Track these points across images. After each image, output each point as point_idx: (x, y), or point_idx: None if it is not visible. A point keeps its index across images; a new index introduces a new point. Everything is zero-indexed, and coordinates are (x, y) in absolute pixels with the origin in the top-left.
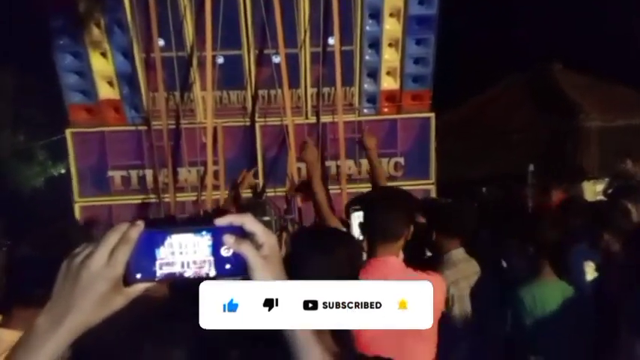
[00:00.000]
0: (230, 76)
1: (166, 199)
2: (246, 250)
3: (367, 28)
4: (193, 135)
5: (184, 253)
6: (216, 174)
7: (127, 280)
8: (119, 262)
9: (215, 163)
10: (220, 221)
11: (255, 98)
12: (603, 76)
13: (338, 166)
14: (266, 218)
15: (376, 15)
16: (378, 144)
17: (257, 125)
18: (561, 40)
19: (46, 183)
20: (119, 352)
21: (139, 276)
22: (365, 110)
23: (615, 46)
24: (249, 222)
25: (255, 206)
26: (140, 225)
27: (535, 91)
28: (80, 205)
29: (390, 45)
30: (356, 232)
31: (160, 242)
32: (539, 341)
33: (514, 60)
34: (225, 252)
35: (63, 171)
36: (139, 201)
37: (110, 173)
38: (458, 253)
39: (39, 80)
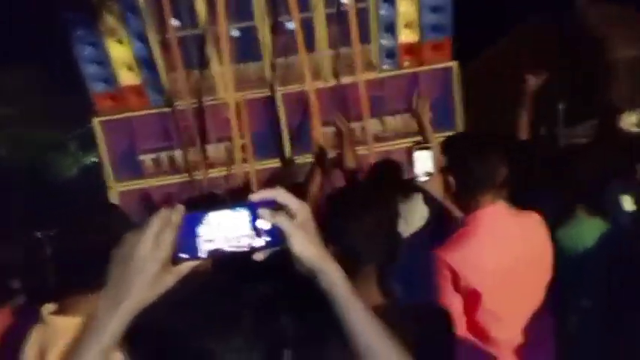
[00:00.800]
0: (246, 48)
1: (197, 177)
2: (281, 221)
3: None
4: (217, 111)
5: (224, 229)
6: (243, 147)
7: (175, 259)
8: (166, 245)
9: (241, 136)
10: (254, 197)
11: (273, 67)
12: (631, 3)
13: (363, 127)
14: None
15: None
16: (402, 100)
17: (278, 94)
18: None
19: (79, 172)
20: (172, 327)
21: (185, 255)
22: (385, 67)
23: None
24: (281, 194)
25: (286, 174)
26: (181, 208)
27: (562, 28)
28: (117, 190)
29: None
30: (419, 171)
31: (201, 222)
32: (585, 283)
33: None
34: (262, 225)
35: (94, 159)
36: (172, 181)
37: (140, 157)
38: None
39: (66, 74)
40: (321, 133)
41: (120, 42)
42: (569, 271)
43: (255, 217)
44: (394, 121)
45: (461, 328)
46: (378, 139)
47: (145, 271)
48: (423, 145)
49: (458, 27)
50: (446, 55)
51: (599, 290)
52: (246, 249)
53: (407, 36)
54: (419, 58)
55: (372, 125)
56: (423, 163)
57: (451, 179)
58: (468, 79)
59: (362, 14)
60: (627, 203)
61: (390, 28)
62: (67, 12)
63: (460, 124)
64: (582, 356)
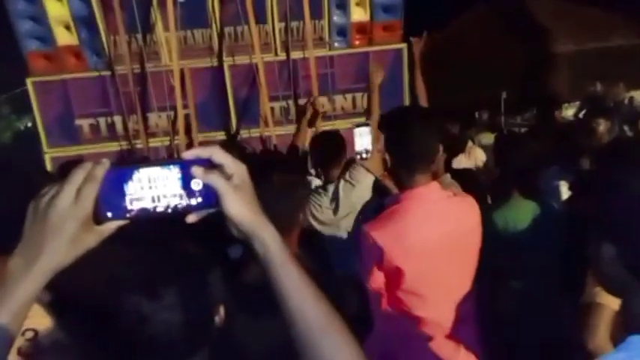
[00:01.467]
0: (193, 14)
1: (138, 146)
2: (215, 180)
3: None
4: (160, 78)
5: (154, 187)
6: (187, 118)
7: (99, 218)
8: (87, 200)
9: (185, 106)
10: (188, 154)
11: (221, 36)
12: (575, 0)
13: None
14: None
15: None
16: (351, 79)
17: (225, 65)
18: None
19: (13, 137)
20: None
21: (110, 214)
22: (336, 44)
23: None
24: (217, 153)
25: (230, 148)
26: (106, 162)
27: (507, 17)
28: (50, 156)
29: None
30: (359, 148)
31: (128, 177)
32: (515, 264)
33: None
34: (195, 185)
35: (29, 124)
36: (111, 149)
37: (78, 122)
38: (446, 178)
39: None
40: (268, 106)
41: None
42: (500, 253)
43: (187, 175)
44: (343, 100)
45: (382, 304)
46: (327, 117)
47: (63, 230)
48: (362, 123)
49: (408, 10)
50: (396, 36)
51: (529, 273)
52: (177, 210)
53: (359, 14)
54: (370, 37)
55: (321, 103)
56: (363, 140)
57: (388, 156)
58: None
59: None
60: (564, 190)
61: (342, 6)
62: None
63: (408, 104)
64: (514, 335)
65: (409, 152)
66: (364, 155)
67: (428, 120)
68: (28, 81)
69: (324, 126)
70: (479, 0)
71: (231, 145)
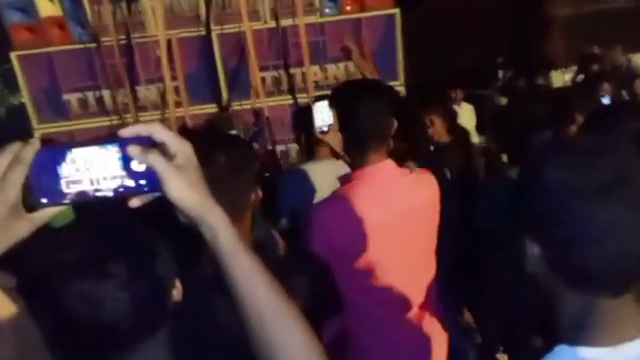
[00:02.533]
0: None
1: (129, 120)
2: (154, 160)
3: None
4: (147, 49)
5: (91, 168)
6: (176, 90)
7: (32, 204)
8: (13, 185)
9: (174, 78)
10: (125, 132)
11: (208, 4)
12: None
13: (303, 73)
14: (233, 132)
15: None
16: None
17: (213, 34)
18: None
19: (6, 112)
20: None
21: (44, 200)
22: (327, 10)
23: None
24: (157, 130)
25: (222, 120)
26: (35, 142)
27: None
28: (39, 133)
29: None
30: (318, 123)
31: (61, 158)
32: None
33: None
34: (137, 166)
35: (23, 100)
36: (101, 124)
37: (66, 96)
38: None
39: None
40: (259, 77)
41: None
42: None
43: (127, 156)
44: (336, 69)
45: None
46: (319, 86)
47: None
48: (321, 96)
49: None
50: (389, 1)
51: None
52: (117, 193)
53: None
54: (361, 3)
55: (313, 72)
56: (323, 115)
57: (341, 132)
58: (409, 27)
59: None
60: None
61: None
62: None
63: (401, 73)
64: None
65: (359, 129)
66: (325, 129)
67: (378, 94)
68: (12, 55)
69: (318, 94)
70: None
71: (223, 118)
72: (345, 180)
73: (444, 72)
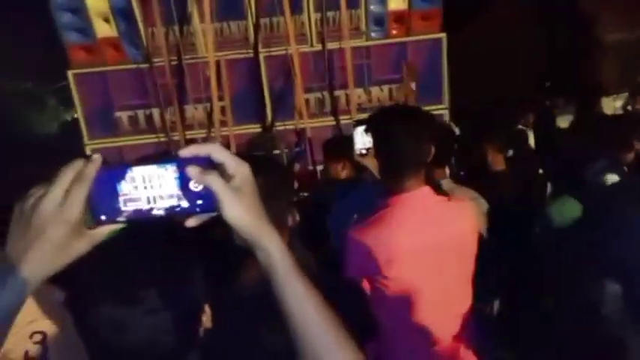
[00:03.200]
0: (229, 5)
1: (175, 138)
2: (213, 181)
3: None
4: (196, 70)
5: (149, 187)
6: (223, 110)
7: (91, 222)
8: (76, 203)
9: (221, 98)
10: (184, 152)
11: (256, 28)
12: None
13: (347, 95)
14: (276, 152)
15: None
16: (388, 69)
17: (261, 56)
18: None
19: (59, 128)
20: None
21: (103, 217)
22: (373, 34)
23: None
24: (216, 151)
25: (265, 140)
26: (98, 160)
27: (548, 4)
28: (90, 148)
29: None
30: (359, 146)
31: (121, 177)
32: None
33: None
34: (194, 186)
35: (76, 116)
36: (148, 140)
37: (117, 114)
38: (447, 183)
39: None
40: (303, 99)
41: None
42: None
43: (185, 175)
44: (379, 91)
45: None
46: (362, 109)
47: (48, 235)
48: (362, 120)
49: None
50: (435, 25)
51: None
52: (174, 212)
53: (397, 3)
54: (408, 27)
55: (357, 94)
56: (363, 138)
57: (376, 159)
58: (456, 52)
59: None
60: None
61: None
62: None
63: (446, 97)
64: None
65: (395, 156)
66: (364, 152)
67: (415, 120)
68: (69, 73)
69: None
70: None
71: (267, 138)
72: (381, 205)
73: (489, 97)
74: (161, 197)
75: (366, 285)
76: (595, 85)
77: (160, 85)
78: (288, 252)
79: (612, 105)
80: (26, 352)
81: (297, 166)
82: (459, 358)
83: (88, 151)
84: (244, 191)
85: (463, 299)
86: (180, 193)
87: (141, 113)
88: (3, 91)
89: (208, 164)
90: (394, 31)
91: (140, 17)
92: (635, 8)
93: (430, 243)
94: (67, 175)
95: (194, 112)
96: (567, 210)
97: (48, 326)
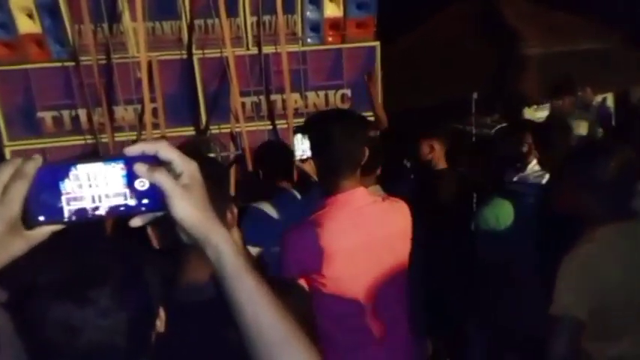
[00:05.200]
0: (162, 4)
1: (104, 140)
2: (161, 179)
3: None
4: (127, 70)
5: (94, 185)
6: (154, 111)
7: (30, 222)
8: (14, 200)
9: (152, 100)
10: (131, 149)
11: (191, 29)
12: (544, 2)
13: (284, 100)
14: (211, 155)
15: None
16: (324, 76)
17: (195, 58)
18: None
19: None
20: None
21: (42, 218)
22: (309, 40)
23: None
24: (163, 148)
25: (199, 143)
26: (38, 158)
27: (477, 18)
28: (11, 149)
29: None
30: (299, 150)
31: (64, 174)
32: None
33: None
34: (140, 185)
35: None
36: (75, 142)
37: (40, 114)
38: (376, 189)
39: None
40: (239, 102)
41: None
42: (491, 248)
43: (132, 173)
44: (316, 97)
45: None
46: (299, 114)
47: None
48: (302, 126)
49: (381, 7)
50: (369, 33)
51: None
52: (119, 211)
53: (332, 10)
54: (343, 34)
55: (294, 99)
56: (303, 144)
57: (314, 161)
58: (389, 60)
59: None
60: None
61: (316, 1)
62: None
63: (379, 105)
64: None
65: (332, 157)
66: (304, 157)
67: (350, 123)
68: None
69: (296, 123)
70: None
71: (201, 141)
72: (318, 206)
73: (421, 104)
74: (107, 196)
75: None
76: (518, 96)
77: (87, 84)
78: (237, 248)
79: (534, 115)
80: None
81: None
82: (396, 355)
83: (7, 153)
84: (193, 189)
85: (397, 299)
86: (126, 191)
87: (66, 114)
88: None
89: (155, 162)
90: (330, 38)
91: (66, 13)
92: (552, 27)
93: (365, 242)
94: (5, 172)
95: (124, 113)
96: (501, 213)
97: None
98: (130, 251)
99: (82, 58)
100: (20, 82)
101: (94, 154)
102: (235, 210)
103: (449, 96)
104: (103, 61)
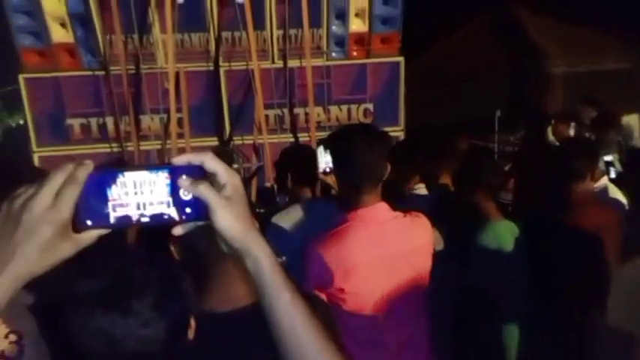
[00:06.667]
0: (191, 17)
1: (129, 148)
2: (205, 191)
3: None
4: (155, 80)
5: (139, 193)
6: (180, 121)
7: (77, 226)
8: (65, 204)
9: (178, 110)
10: (178, 160)
11: (218, 41)
12: (569, 19)
13: (307, 113)
14: (234, 166)
15: None
16: (347, 90)
17: (221, 70)
18: None
19: (4, 135)
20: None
21: (89, 222)
22: (333, 54)
23: None
24: (209, 160)
25: (222, 154)
26: (89, 164)
27: (501, 35)
28: (39, 155)
29: None
30: (322, 163)
31: (112, 181)
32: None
33: (481, 2)
34: (184, 194)
35: (22, 122)
36: (101, 150)
37: (69, 121)
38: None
39: None
40: (263, 114)
41: None
42: (486, 269)
43: (176, 183)
44: (338, 111)
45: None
46: (321, 127)
47: (36, 234)
48: (324, 139)
49: (406, 23)
50: (394, 48)
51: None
52: (162, 220)
53: (357, 25)
54: (367, 49)
55: (317, 113)
56: (327, 157)
57: (335, 175)
58: (412, 75)
59: None
60: None
61: (341, 16)
62: None
63: (402, 119)
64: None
65: (354, 172)
66: (327, 170)
67: (372, 138)
68: (20, 77)
69: (319, 136)
70: (474, 15)
71: (224, 151)
72: (340, 220)
73: (444, 120)
74: (151, 204)
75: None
76: (543, 114)
77: (115, 93)
78: (276, 260)
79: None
80: (1, 352)
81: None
82: None
83: (35, 159)
84: (235, 200)
85: (416, 315)
86: (170, 200)
87: (94, 121)
88: None
89: (200, 173)
90: (354, 53)
91: (98, 24)
92: (577, 44)
93: (384, 258)
94: (58, 177)
95: (150, 122)
96: (503, 232)
97: (23, 326)
98: (167, 261)
99: (112, 67)
100: (51, 90)
101: (119, 161)
102: (256, 223)
103: (472, 112)
104: (132, 71)
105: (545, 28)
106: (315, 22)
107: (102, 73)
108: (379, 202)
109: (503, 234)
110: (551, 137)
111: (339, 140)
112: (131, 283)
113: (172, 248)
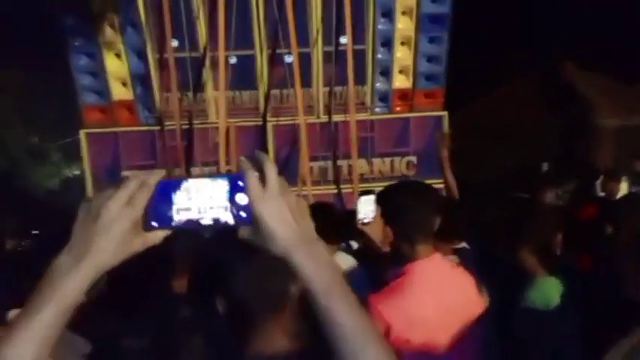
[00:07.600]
0: (243, 76)
1: None
2: (248, 195)
3: (379, 26)
4: (206, 135)
5: (200, 198)
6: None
7: (144, 227)
8: (139, 204)
9: (227, 162)
10: (241, 164)
11: (267, 98)
12: (618, 75)
13: (350, 165)
14: None
15: (388, 13)
16: (391, 143)
17: (269, 125)
18: (576, 39)
19: (60, 183)
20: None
21: (155, 224)
22: (377, 109)
23: (630, 44)
24: (267, 166)
25: None
26: (161, 172)
27: (549, 89)
28: None
29: (402, 43)
30: (362, 215)
31: (177, 187)
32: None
33: (528, 58)
34: (241, 200)
35: (77, 172)
36: None
37: (124, 173)
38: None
39: (54, 81)
40: (308, 167)
41: (117, 56)
42: (537, 327)
43: (234, 189)
44: (382, 163)
45: None
46: (364, 179)
47: (112, 230)
48: (366, 190)
49: (450, 78)
50: (437, 103)
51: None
52: (220, 223)
53: (401, 82)
54: (411, 103)
55: (360, 165)
56: (366, 208)
57: (389, 229)
58: (457, 129)
59: (359, 56)
60: None
61: (386, 73)
62: (67, 19)
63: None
64: None
65: (408, 224)
66: (367, 221)
67: (424, 194)
68: (82, 132)
69: (362, 188)
70: (521, 70)
71: None
72: (397, 273)
73: (488, 173)
74: (211, 208)
75: None
76: (593, 168)
77: (169, 147)
78: (324, 265)
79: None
80: None
81: None
82: None
83: None
84: (278, 199)
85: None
86: (228, 204)
87: None
88: (7, 142)
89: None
90: (398, 107)
91: (156, 82)
92: (630, 96)
93: (444, 309)
94: (134, 182)
95: (200, 174)
96: (548, 291)
97: None
98: (211, 318)
99: (167, 122)
100: (110, 144)
101: None
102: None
103: (517, 166)
104: (186, 126)
105: (593, 83)
106: (360, 80)
107: (157, 128)
108: (433, 254)
109: (549, 291)
110: (600, 192)
111: (391, 196)
112: (174, 343)
113: (217, 301)
